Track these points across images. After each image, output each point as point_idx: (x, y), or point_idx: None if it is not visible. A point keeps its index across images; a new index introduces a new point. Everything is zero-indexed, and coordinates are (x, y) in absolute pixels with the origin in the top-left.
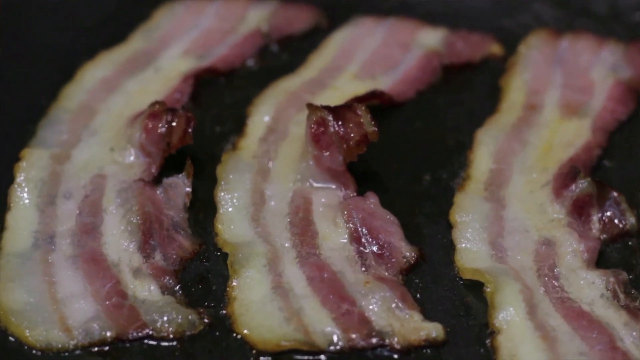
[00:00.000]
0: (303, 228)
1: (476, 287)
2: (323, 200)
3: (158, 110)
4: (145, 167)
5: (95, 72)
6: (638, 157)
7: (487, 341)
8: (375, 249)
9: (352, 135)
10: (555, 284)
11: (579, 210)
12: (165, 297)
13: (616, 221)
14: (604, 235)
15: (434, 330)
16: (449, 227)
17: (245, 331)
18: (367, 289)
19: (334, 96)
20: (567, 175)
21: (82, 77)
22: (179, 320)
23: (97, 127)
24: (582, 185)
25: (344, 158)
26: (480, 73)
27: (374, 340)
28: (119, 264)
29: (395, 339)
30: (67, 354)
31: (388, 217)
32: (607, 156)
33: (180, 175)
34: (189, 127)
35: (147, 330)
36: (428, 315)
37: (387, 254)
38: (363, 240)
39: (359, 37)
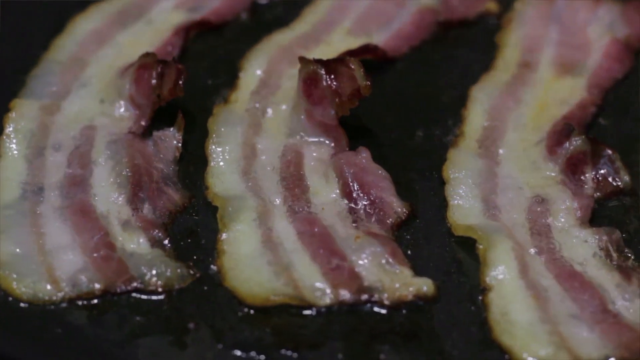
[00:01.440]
0: (294, 182)
1: (468, 244)
2: (315, 154)
3: (149, 61)
4: (135, 119)
5: (86, 24)
6: (633, 115)
7: (479, 298)
8: (366, 204)
9: (344, 89)
10: (548, 242)
11: (573, 168)
12: (154, 250)
13: (610, 179)
14: (598, 193)
15: (424, 285)
16: (442, 183)
17: (234, 285)
18: (357, 244)
19: (327, 51)
20: (561, 132)
21: (73, 28)
22: (168, 274)
23: (88, 79)
24: (575, 142)
25: (336, 112)
26: (476, 29)
27: (364, 296)
28: (108, 216)
29: (385, 295)
30: (53, 306)
31: (380, 172)
32: (603, 114)
33: (171, 129)
34: (180, 79)
35: (135, 284)
36: (419, 272)
37: (378, 209)
38: (354, 195)
39: None
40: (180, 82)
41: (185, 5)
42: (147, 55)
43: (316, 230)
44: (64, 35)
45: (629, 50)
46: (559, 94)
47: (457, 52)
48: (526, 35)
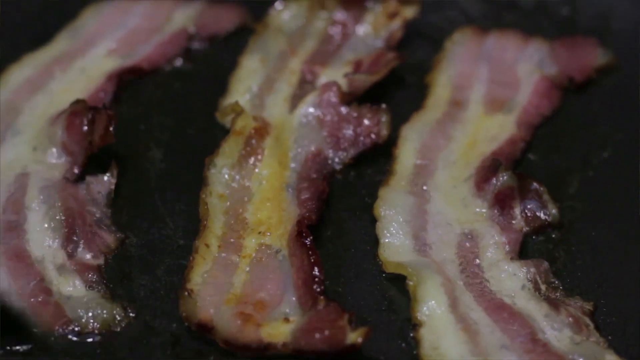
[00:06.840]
0: None
1: (399, 281)
2: None
3: (79, 108)
4: (68, 166)
5: (20, 72)
6: (562, 151)
7: (410, 335)
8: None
9: None
10: (477, 276)
11: (501, 203)
12: (90, 293)
13: (538, 213)
14: (527, 228)
15: None
16: (373, 221)
17: None
18: None
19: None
20: (489, 168)
21: (6, 77)
22: (104, 316)
23: (21, 127)
24: (503, 178)
25: None
26: (407, 70)
27: None
28: (43, 260)
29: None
30: None
31: None
32: (532, 150)
33: (105, 174)
34: (111, 125)
35: (72, 326)
36: (350, 310)
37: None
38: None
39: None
40: (111, 128)
41: (117, 52)
42: (77, 102)
43: None
44: None
45: (557, 88)
46: (489, 131)
47: (388, 92)
48: (456, 74)
